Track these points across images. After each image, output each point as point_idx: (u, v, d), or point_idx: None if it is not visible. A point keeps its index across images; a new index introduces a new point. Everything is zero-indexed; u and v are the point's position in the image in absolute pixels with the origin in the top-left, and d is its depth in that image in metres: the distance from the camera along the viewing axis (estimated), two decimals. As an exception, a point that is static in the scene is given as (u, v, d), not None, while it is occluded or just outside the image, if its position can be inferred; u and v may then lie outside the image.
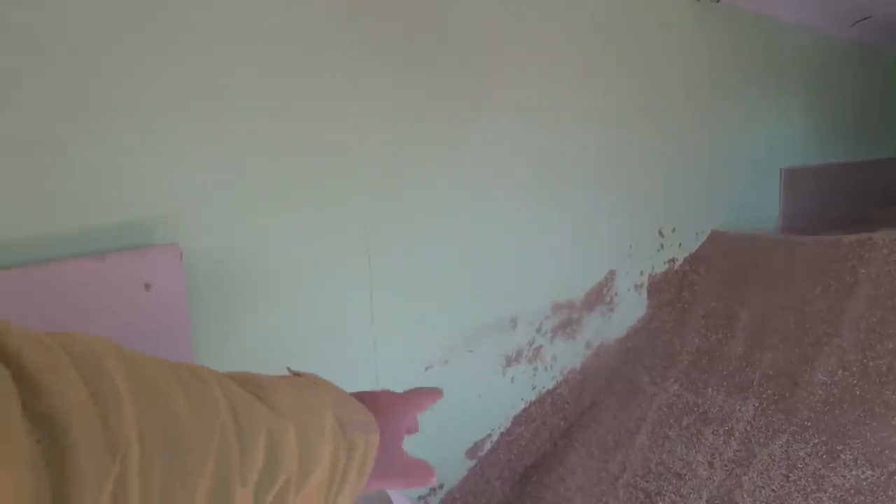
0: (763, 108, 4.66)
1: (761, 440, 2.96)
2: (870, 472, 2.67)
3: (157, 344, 1.87)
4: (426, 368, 2.64)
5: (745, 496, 2.76)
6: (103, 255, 1.76)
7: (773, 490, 2.74)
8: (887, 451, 2.70)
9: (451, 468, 2.88)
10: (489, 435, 2.99)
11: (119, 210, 1.80)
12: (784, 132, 4.96)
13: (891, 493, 2.57)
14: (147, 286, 1.84)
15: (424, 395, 1.00)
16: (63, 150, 1.68)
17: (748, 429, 3.03)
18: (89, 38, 1.69)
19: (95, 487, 0.40)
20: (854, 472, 2.69)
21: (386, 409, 0.92)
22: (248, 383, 0.67)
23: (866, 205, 6.30)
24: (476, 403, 2.89)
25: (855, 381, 2.99)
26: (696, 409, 3.22)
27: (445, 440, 2.81)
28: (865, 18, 5.22)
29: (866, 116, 6.39)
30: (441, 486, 2.84)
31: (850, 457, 2.75)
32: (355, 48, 2.24)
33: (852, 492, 2.62)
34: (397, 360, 2.52)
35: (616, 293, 3.52)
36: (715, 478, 2.88)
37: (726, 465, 2.91)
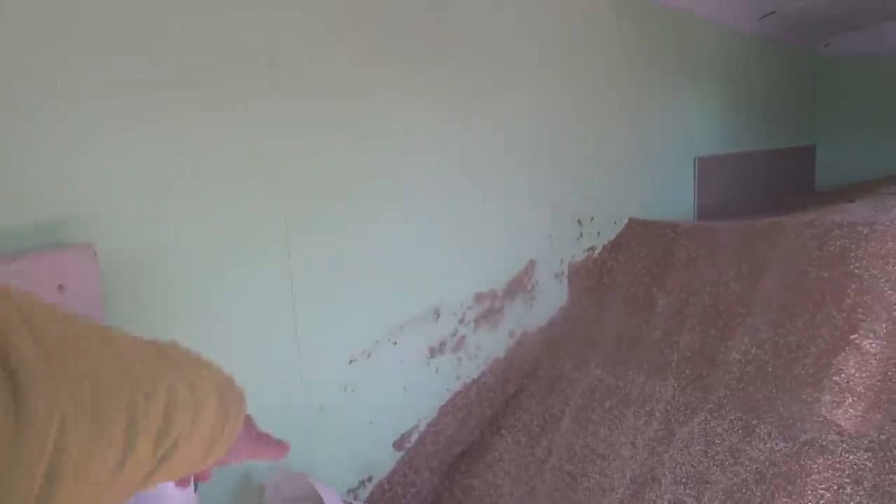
0: (678, 99, 4.79)
1: (680, 419, 3.04)
2: (783, 445, 2.76)
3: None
4: (350, 362, 2.63)
5: (666, 473, 2.83)
6: (15, 257, 1.71)
7: (692, 466, 2.82)
8: (798, 424, 2.81)
9: (380, 460, 2.87)
10: (416, 426, 3.00)
11: (31, 210, 1.74)
12: (698, 122, 5.11)
13: (802, 462, 2.67)
14: (60, 288, 1.78)
15: (268, 447, 1.01)
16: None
17: (668, 408, 3.11)
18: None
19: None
20: (768, 445, 2.78)
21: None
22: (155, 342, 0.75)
23: (778, 191, 6.53)
24: (401, 395, 2.89)
25: (767, 359, 3.09)
26: (617, 392, 3.29)
27: (373, 433, 2.80)
28: (771, 13, 5.42)
29: (776, 106, 6.63)
30: (370, 479, 2.83)
31: (765, 430, 2.84)
32: (272, 39, 2.23)
33: (767, 464, 2.71)
34: (321, 354, 2.50)
35: (537, 282, 3.57)
36: (637, 457, 2.95)
37: (648, 444, 2.98)
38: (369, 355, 2.69)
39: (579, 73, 3.69)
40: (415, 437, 3.00)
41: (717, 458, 2.82)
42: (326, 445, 2.59)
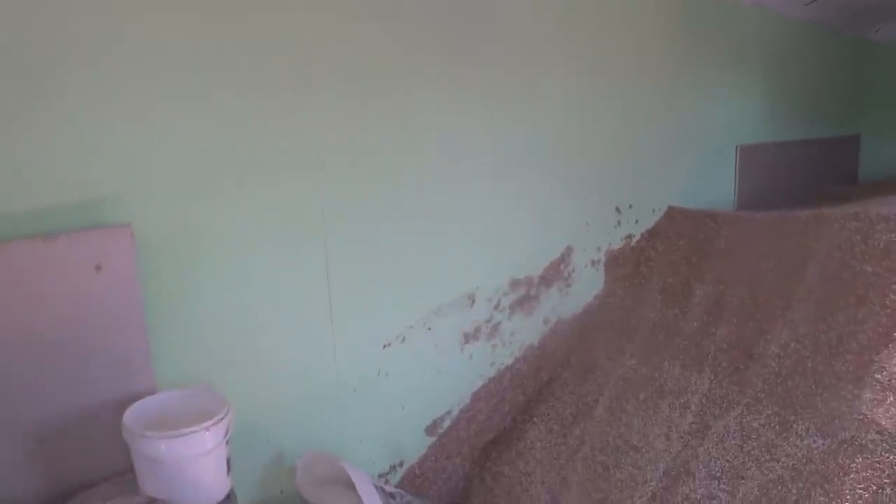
0: (720, 85, 4.70)
1: (716, 412, 3.00)
2: (821, 442, 2.72)
3: (110, 326, 1.84)
4: (384, 346, 2.64)
5: (700, 467, 2.80)
6: (52, 237, 1.73)
7: (727, 461, 2.79)
8: (837, 421, 2.76)
9: (411, 445, 2.88)
10: (449, 412, 3.00)
11: (68, 189, 1.76)
12: (740, 110, 5.01)
13: (840, 461, 2.63)
14: (98, 267, 1.80)
15: None
16: (7, 127, 1.64)
17: (703, 401, 3.08)
18: (34, 4, 1.65)
19: None
20: (806, 442, 2.74)
21: None
22: None
23: (821, 182, 6.40)
24: (435, 380, 2.90)
25: (807, 354, 3.03)
26: (652, 383, 3.26)
27: (405, 417, 2.81)
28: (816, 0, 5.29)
29: (820, 95, 6.47)
30: (401, 464, 2.85)
31: (802, 427, 2.80)
32: (322, 29, 2.23)
33: (804, 461, 2.68)
34: (355, 338, 2.52)
35: (573, 269, 3.54)
36: (671, 449, 2.92)
37: (682, 437, 2.95)
38: (403, 340, 2.70)
39: (619, 60, 3.63)
40: (447, 422, 3.00)
41: (752, 453, 2.78)
42: (359, 428, 2.61)
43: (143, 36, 1.82)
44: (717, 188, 4.84)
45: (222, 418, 1.76)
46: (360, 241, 2.46)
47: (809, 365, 3.00)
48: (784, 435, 2.80)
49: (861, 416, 2.75)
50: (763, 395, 2.99)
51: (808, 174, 6.20)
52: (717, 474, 2.75)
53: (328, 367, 2.45)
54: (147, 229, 1.89)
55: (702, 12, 4.35)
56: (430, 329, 2.80)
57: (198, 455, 1.73)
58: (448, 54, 2.73)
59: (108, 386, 1.87)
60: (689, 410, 3.06)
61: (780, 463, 2.71)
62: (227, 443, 1.81)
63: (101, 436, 1.84)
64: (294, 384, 2.36)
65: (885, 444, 2.63)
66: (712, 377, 3.17)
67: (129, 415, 1.76)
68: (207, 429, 1.71)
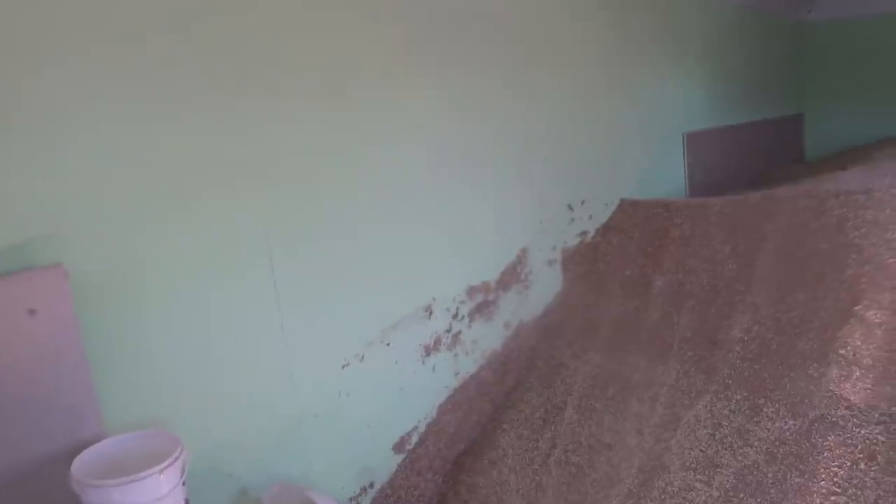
0: (664, 74, 4.72)
1: (685, 402, 2.97)
2: (791, 422, 2.70)
3: (49, 372, 1.72)
4: (343, 366, 2.54)
5: (674, 459, 2.76)
6: (-20, 282, 1.63)
7: (701, 450, 2.75)
8: (807, 400, 2.74)
9: (380, 465, 2.79)
10: (415, 427, 2.92)
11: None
12: (685, 97, 5.04)
13: (813, 440, 2.61)
14: (31, 311, 1.70)
15: None
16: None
17: (672, 392, 3.04)
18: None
19: None
20: (777, 424, 2.72)
21: None
22: None
23: (769, 163, 6.47)
24: (398, 397, 2.81)
25: (770, 336, 3.02)
26: (619, 379, 3.22)
27: (371, 437, 2.72)
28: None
29: (763, 77, 6.57)
30: (371, 485, 2.75)
31: (772, 409, 2.78)
32: (257, 33, 2.14)
33: (777, 443, 2.65)
34: (312, 360, 2.42)
35: (530, 271, 3.49)
36: (644, 445, 2.88)
37: (654, 431, 2.91)
38: (362, 358, 2.61)
39: (563, 55, 3.61)
40: (415, 438, 2.92)
41: (725, 440, 2.75)
42: (324, 454, 2.52)
43: (65, 61, 1.73)
44: (668, 177, 4.84)
45: (176, 459, 1.66)
46: (308, 261, 2.37)
47: (774, 346, 2.98)
48: (755, 419, 2.78)
49: (829, 394, 2.73)
50: (731, 381, 2.96)
51: (756, 156, 6.28)
52: (692, 465, 2.71)
53: (286, 394, 2.35)
54: (83, 267, 1.79)
55: (642, 4, 4.35)
56: (388, 345, 2.72)
57: (153, 500, 1.62)
58: (400, 55, 2.67)
59: (54, 435, 1.75)
60: (658, 403, 3.02)
61: (754, 448, 2.68)
62: (183, 484, 1.71)
63: (49, 490, 1.72)
64: (252, 415, 2.26)
65: (855, 420, 2.62)
66: (678, 367, 3.14)
67: (78, 464, 1.65)
68: (161, 471, 1.61)
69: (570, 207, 3.73)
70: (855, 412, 2.64)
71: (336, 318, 2.51)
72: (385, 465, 2.82)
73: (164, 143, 1.94)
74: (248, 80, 2.15)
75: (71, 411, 1.77)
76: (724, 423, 2.82)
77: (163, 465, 1.62)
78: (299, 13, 2.31)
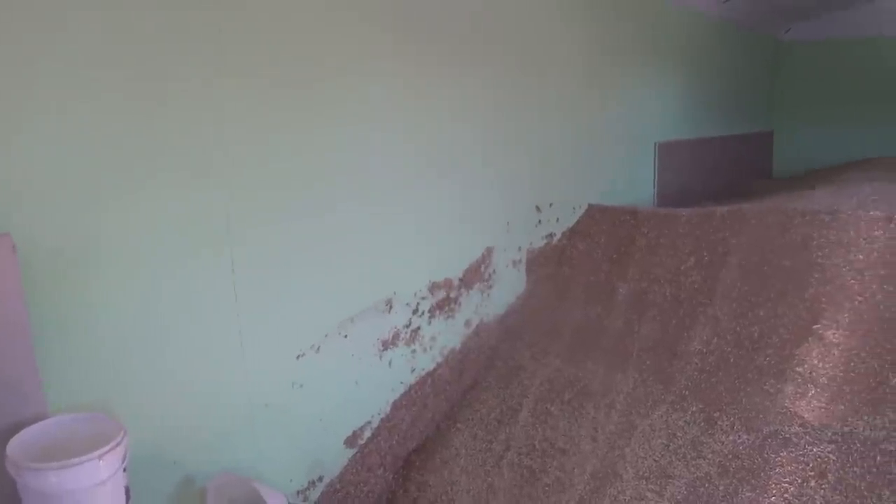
0: (640, 83, 4.72)
1: (641, 411, 2.96)
2: (746, 437, 2.70)
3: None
4: (298, 357, 2.48)
5: (627, 468, 2.75)
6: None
7: (654, 460, 2.74)
8: (761, 416, 2.75)
9: (331, 459, 2.74)
10: (369, 422, 2.87)
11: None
12: (659, 107, 5.05)
13: (766, 455, 2.61)
14: (-25, 282, 1.63)
15: None
16: None
17: (628, 400, 3.03)
18: None
19: None
20: (731, 438, 2.72)
21: None
22: None
23: (737, 177, 6.53)
24: (353, 390, 2.76)
25: (729, 349, 3.03)
26: (577, 384, 3.20)
27: (323, 430, 2.66)
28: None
29: (737, 92, 6.63)
30: (320, 479, 2.70)
31: (727, 423, 2.78)
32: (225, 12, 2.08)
33: (730, 457, 2.65)
34: (267, 349, 2.35)
35: (494, 270, 3.46)
36: (598, 451, 2.87)
37: (608, 438, 2.90)
38: (318, 350, 2.56)
39: (540, 57, 3.58)
40: (367, 433, 2.88)
41: (679, 451, 2.75)
42: (274, 445, 2.46)
43: (15, 27, 1.65)
44: (638, 185, 4.85)
45: (118, 444, 1.60)
46: (269, 247, 2.30)
47: (732, 360, 2.99)
48: (709, 431, 2.78)
49: (784, 410, 2.74)
50: (687, 393, 2.96)
51: (724, 170, 6.34)
52: (645, 474, 2.71)
53: (238, 382, 2.28)
54: (32, 241, 1.71)
55: (622, 11, 4.34)
56: (346, 337, 2.66)
57: (92, 486, 1.56)
58: (372, 44, 2.61)
59: (-9, 410, 1.69)
60: (614, 410, 3.01)
61: (707, 460, 2.68)
62: (124, 470, 1.65)
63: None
64: (201, 401, 2.19)
65: (808, 437, 2.63)
66: (636, 376, 3.13)
67: (14, 444, 1.57)
68: (101, 457, 1.54)
69: (538, 209, 3.71)
70: (808, 430, 2.65)
71: (294, 306, 2.45)
72: (336, 459, 2.77)
73: (121, 120, 1.87)
74: (219, 61, 2.09)
75: (11, 387, 1.69)
76: (678, 433, 2.82)
77: (103, 451, 1.55)
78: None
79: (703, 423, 2.82)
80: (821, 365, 2.80)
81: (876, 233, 3.01)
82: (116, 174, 1.87)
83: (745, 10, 5.92)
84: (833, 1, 6.56)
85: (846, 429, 2.62)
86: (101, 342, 1.89)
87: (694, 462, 2.69)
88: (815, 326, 2.89)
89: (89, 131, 1.80)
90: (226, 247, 2.17)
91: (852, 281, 2.95)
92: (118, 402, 1.92)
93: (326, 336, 2.59)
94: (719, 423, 2.79)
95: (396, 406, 3.01)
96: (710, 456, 2.69)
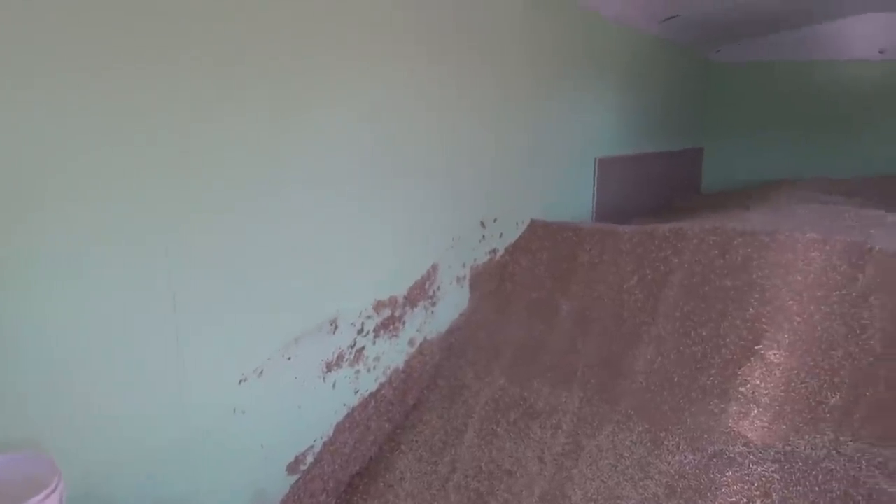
0: (581, 99, 4.75)
1: (588, 431, 2.96)
2: (691, 457, 2.72)
3: None
4: (240, 382, 2.39)
5: (576, 489, 2.74)
6: None
7: (602, 481, 2.74)
8: (706, 435, 2.78)
9: (273, 486, 2.64)
10: (311, 446, 2.79)
11: None
12: (599, 123, 5.11)
13: (711, 475, 2.64)
14: None
15: None
16: None
17: (575, 420, 3.03)
18: None
19: None
20: (677, 458, 2.74)
21: None
22: None
23: (670, 192, 6.67)
24: (296, 414, 2.67)
25: (673, 369, 3.05)
26: (522, 403, 3.18)
27: (264, 457, 2.57)
28: (673, 17, 5.47)
29: (672, 110, 6.78)
30: (262, 508, 2.61)
31: (673, 443, 2.80)
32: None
33: (677, 477, 2.67)
34: (207, 375, 2.25)
35: (439, 287, 3.42)
36: (546, 472, 2.85)
37: (556, 459, 2.89)
38: (261, 373, 2.46)
39: (481, 73, 3.56)
40: (310, 458, 2.79)
41: (626, 472, 2.75)
42: (214, 476, 2.35)
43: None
44: (578, 200, 4.89)
45: (54, 490, 1.49)
46: (212, 269, 2.20)
47: (676, 380, 3.01)
48: (656, 452, 2.79)
49: (728, 430, 2.78)
50: (633, 412, 2.97)
51: (658, 185, 6.49)
52: (594, 496, 2.70)
53: (176, 411, 2.17)
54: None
55: (565, 28, 4.36)
56: (289, 359, 2.58)
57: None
58: (315, 53, 2.53)
59: None
60: (560, 431, 3.00)
61: (654, 480, 2.69)
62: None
63: None
64: (137, 433, 2.07)
65: (752, 457, 2.67)
66: (582, 395, 3.13)
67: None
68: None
69: (482, 225, 3.68)
70: (752, 449, 2.69)
71: (237, 330, 2.34)
72: (278, 486, 2.68)
73: (40, 129, 1.73)
74: (159, 74, 1.99)
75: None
76: (626, 454, 2.82)
77: (39, 498, 1.45)
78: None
79: (649, 444, 2.83)
80: (763, 385, 2.85)
81: (813, 254, 3.08)
82: (43, 188, 1.72)
83: (679, 30, 6.05)
84: (760, 25, 6.77)
85: (788, 448, 2.67)
86: (27, 376, 1.76)
87: (642, 483, 2.70)
88: (756, 346, 2.94)
89: (8, 144, 1.67)
90: (164, 269, 2.05)
91: (791, 302, 3.01)
92: (45, 435, 1.79)
93: (269, 359, 2.50)
94: (665, 443, 2.81)
95: (339, 429, 2.93)
96: (657, 476, 2.70)
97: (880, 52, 7.00)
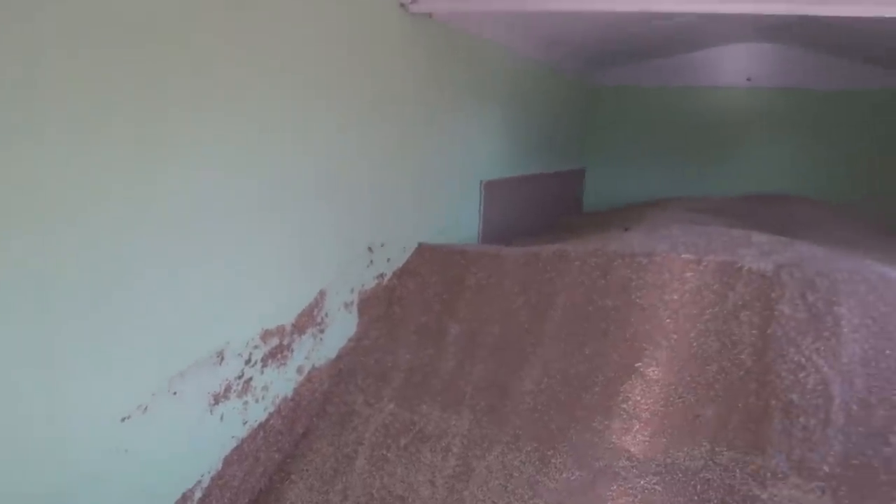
0: (466, 123, 4.83)
1: (478, 453, 2.99)
2: (578, 473, 2.80)
3: None
4: (122, 420, 2.29)
5: (467, 511, 2.77)
6: None
7: (493, 501, 2.77)
8: (591, 452, 2.86)
9: (160, 528, 2.56)
10: (199, 481, 2.70)
11: None
12: (484, 146, 5.21)
13: (598, 490, 2.72)
14: None
15: None
16: None
17: (465, 443, 3.06)
18: None
19: None
20: (565, 475, 2.80)
21: None
22: None
23: (553, 212, 6.87)
24: (183, 450, 2.59)
25: (559, 388, 3.14)
26: (412, 428, 3.19)
27: (150, 498, 2.47)
28: (556, 42, 5.68)
29: (556, 132, 7.01)
30: (148, 551, 2.51)
31: (560, 461, 2.87)
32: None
33: (566, 493, 2.73)
34: (86, 413, 2.15)
35: (327, 313, 3.39)
36: (437, 496, 2.86)
37: (447, 482, 2.90)
38: (146, 410, 2.37)
39: (375, 96, 3.57)
40: (198, 493, 2.70)
41: (516, 492, 2.80)
42: (96, 519, 2.25)
43: None
44: (465, 223, 4.95)
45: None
46: (84, 293, 2.10)
47: (562, 398, 3.09)
48: (544, 470, 2.85)
49: (612, 446, 2.87)
50: (521, 432, 3.03)
51: (543, 205, 6.69)
52: (484, 517, 2.74)
53: (53, 454, 2.06)
54: None
55: (451, 51, 4.43)
56: (175, 394, 2.49)
57: None
58: (190, 69, 2.46)
59: None
60: (451, 453, 3.03)
61: (543, 499, 2.75)
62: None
63: None
64: (5, 481, 1.96)
65: (635, 470, 2.77)
66: (471, 417, 3.17)
67: None
68: None
69: (370, 249, 3.68)
70: (635, 463, 2.79)
71: (117, 364, 2.25)
72: (165, 527, 2.58)
73: None
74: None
75: None
76: (515, 473, 2.87)
77: None
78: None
79: (537, 462, 2.89)
80: (643, 400, 2.96)
81: (687, 274, 3.24)
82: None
83: (562, 54, 6.26)
84: (640, 52, 7.12)
85: (668, 460, 2.79)
86: None
87: (531, 501, 2.75)
88: (637, 364, 3.06)
89: None
90: (32, 300, 1.96)
91: (668, 320, 3.15)
92: None
93: (154, 395, 2.41)
94: (553, 461, 2.88)
95: (228, 462, 2.86)
96: (546, 494, 2.76)
97: (748, 80, 7.53)
